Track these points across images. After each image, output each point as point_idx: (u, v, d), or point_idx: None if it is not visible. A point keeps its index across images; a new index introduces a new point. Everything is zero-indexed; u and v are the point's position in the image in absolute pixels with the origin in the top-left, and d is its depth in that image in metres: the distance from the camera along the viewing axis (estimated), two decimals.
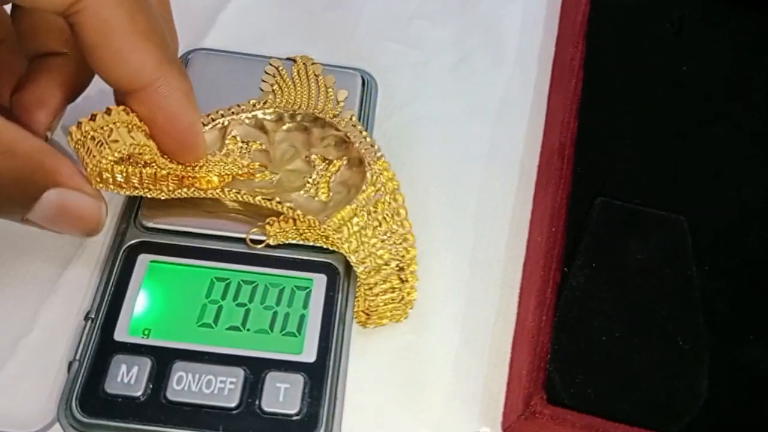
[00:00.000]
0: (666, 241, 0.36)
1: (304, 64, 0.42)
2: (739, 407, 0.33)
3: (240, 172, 0.35)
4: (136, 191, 0.34)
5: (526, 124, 0.44)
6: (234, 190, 0.35)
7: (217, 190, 0.34)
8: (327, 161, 0.38)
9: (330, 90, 0.40)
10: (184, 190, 0.34)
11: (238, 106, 0.39)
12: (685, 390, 0.33)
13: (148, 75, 0.30)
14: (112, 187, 0.33)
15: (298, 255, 0.35)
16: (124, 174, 0.33)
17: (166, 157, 0.33)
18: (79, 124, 0.31)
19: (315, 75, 0.41)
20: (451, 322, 0.37)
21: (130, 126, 0.31)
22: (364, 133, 0.38)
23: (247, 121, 0.38)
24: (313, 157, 0.38)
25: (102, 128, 0.31)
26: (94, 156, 0.31)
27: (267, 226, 0.35)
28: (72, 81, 0.34)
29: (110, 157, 0.30)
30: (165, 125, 0.32)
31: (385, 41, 0.47)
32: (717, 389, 0.33)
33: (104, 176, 0.32)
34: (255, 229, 0.35)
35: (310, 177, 0.37)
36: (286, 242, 0.35)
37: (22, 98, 0.33)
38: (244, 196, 0.35)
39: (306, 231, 0.35)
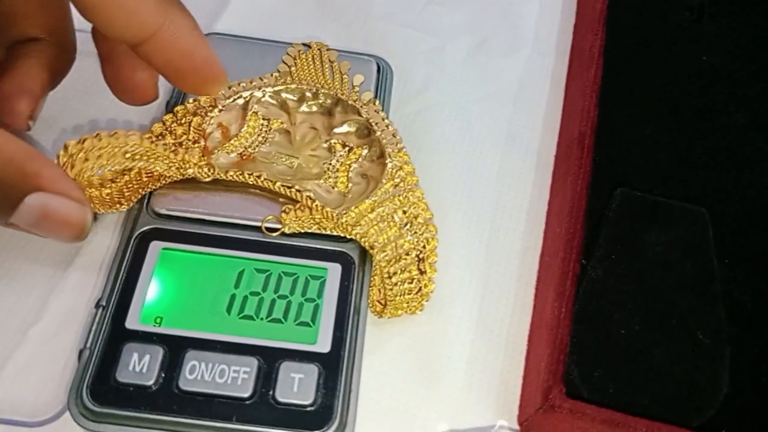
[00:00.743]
0: (686, 233, 0.36)
1: (319, 49, 0.41)
2: (762, 400, 0.32)
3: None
4: (140, 192, 0.35)
5: (544, 111, 0.44)
6: (255, 174, 0.34)
7: (238, 174, 0.34)
8: (347, 147, 0.37)
9: (345, 76, 0.40)
10: (206, 170, 0.34)
11: (261, 79, 0.38)
12: (705, 384, 0.32)
13: (153, 20, 0.30)
14: (117, 206, 0.34)
15: (313, 244, 0.35)
16: (109, 193, 0.34)
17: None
18: (65, 147, 0.31)
19: (330, 61, 0.41)
20: (466, 313, 0.36)
21: (121, 149, 0.32)
22: (387, 122, 0.38)
23: (269, 98, 0.38)
24: (333, 142, 0.37)
25: (91, 150, 0.31)
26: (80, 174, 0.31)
27: (283, 215, 0.34)
28: (52, 66, 0.33)
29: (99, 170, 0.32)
30: (183, 65, 0.32)
31: (400, 27, 0.47)
32: (738, 382, 0.32)
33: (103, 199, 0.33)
34: (270, 217, 0.35)
35: (330, 163, 0.36)
36: (302, 231, 0.35)
37: (2, 87, 0.32)
38: (264, 182, 0.34)
39: (322, 220, 0.34)
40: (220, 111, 0.36)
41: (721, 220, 0.37)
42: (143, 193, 0.35)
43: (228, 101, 0.37)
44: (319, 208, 0.34)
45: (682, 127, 0.40)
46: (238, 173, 0.34)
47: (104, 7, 0.29)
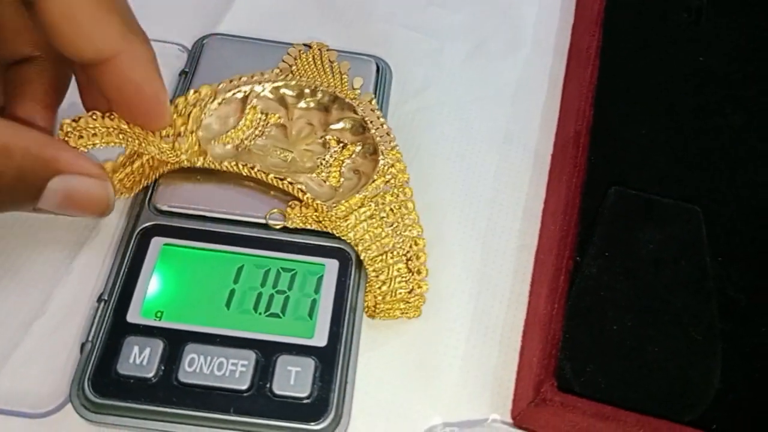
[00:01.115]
0: (680, 231, 0.36)
1: (319, 50, 0.42)
2: (752, 396, 0.33)
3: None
4: (142, 183, 0.35)
5: (541, 111, 0.44)
6: (248, 166, 0.35)
7: (232, 164, 0.35)
8: (341, 144, 0.38)
9: (345, 76, 0.41)
10: (199, 158, 0.35)
11: (262, 74, 0.39)
12: (697, 379, 0.33)
13: (113, 47, 0.30)
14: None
15: (311, 240, 0.35)
16: (122, 178, 0.34)
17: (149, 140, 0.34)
18: (61, 126, 0.32)
19: (330, 61, 0.41)
20: (462, 309, 0.37)
21: (115, 129, 0.32)
22: (382, 120, 0.39)
23: (269, 94, 0.39)
24: (328, 137, 0.38)
25: (85, 128, 0.32)
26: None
27: (288, 209, 0.35)
28: (54, 86, 0.34)
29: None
30: (131, 95, 0.32)
31: (401, 27, 0.47)
32: (731, 378, 0.33)
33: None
34: (275, 211, 0.35)
35: (323, 158, 0.37)
36: (303, 227, 0.35)
37: (15, 115, 0.32)
38: (257, 173, 0.35)
39: (324, 218, 0.35)
40: (220, 104, 0.37)
41: (715, 218, 0.37)
42: (146, 183, 0.36)
43: (228, 94, 0.38)
44: (310, 200, 0.35)
45: (678, 126, 0.41)
46: (232, 164, 0.35)
47: (61, 28, 0.29)
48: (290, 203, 0.35)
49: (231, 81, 0.38)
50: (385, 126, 0.38)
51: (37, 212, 0.30)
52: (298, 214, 0.35)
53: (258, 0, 0.47)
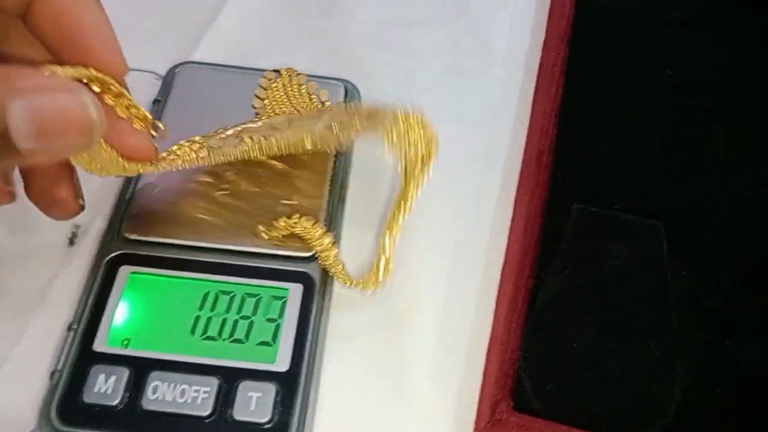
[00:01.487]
0: (642, 247, 0.36)
1: (289, 76, 0.43)
2: (716, 409, 0.33)
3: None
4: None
5: (511, 130, 0.44)
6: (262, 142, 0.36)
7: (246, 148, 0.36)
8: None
9: (313, 96, 0.42)
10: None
11: (244, 123, 0.39)
12: (660, 393, 0.33)
13: None
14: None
15: (276, 265, 0.36)
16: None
17: None
18: None
19: (299, 85, 0.42)
20: (427, 328, 0.37)
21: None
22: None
23: (259, 128, 0.39)
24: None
25: None
26: None
27: (274, 222, 0.36)
28: None
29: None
30: (71, 30, 0.28)
31: (374, 50, 0.48)
32: (694, 391, 0.33)
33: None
34: (262, 228, 0.36)
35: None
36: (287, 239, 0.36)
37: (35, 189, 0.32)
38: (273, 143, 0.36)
39: (305, 234, 0.36)
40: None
41: (685, 231, 0.37)
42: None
43: (222, 134, 0.38)
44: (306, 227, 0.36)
45: (641, 144, 0.41)
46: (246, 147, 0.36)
47: None
48: (277, 219, 0.36)
49: (217, 131, 0.38)
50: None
51: (31, 157, 0.25)
52: (283, 227, 0.36)
53: (230, 27, 0.48)
